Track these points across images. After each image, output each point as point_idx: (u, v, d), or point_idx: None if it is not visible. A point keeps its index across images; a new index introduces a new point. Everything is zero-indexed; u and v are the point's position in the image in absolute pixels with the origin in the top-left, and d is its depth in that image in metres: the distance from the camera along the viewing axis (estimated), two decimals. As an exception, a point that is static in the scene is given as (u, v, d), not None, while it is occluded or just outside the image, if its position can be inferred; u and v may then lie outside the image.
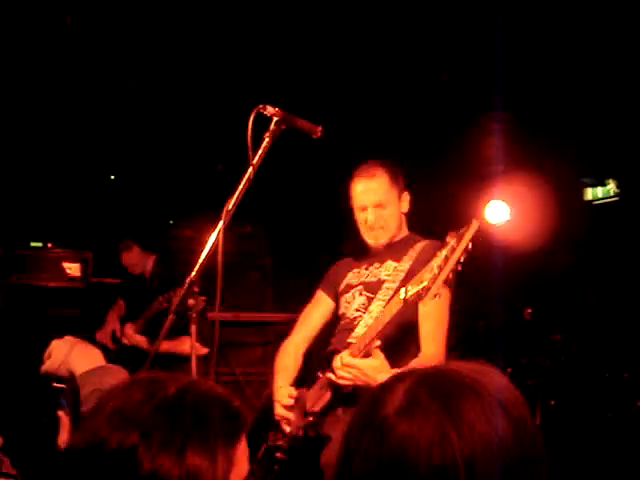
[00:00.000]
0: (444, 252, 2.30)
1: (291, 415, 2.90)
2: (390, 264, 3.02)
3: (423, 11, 4.75)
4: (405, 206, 3.11)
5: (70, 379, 1.84)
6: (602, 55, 5.09)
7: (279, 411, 2.95)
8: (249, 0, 4.65)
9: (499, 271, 6.69)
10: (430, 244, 2.95)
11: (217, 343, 2.65)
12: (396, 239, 3.11)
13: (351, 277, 3.16)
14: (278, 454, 2.85)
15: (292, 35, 4.96)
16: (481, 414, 1.01)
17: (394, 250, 3.07)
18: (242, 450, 1.11)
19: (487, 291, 6.68)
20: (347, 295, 3.12)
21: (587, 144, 6.14)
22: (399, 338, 2.79)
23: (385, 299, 2.85)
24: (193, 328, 2.76)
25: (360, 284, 3.07)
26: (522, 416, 1.05)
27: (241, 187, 2.55)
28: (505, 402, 1.04)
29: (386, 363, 2.60)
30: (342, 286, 3.17)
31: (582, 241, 6.34)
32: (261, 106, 2.57)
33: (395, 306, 2.54)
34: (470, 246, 2.27)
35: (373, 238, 3.08)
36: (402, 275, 2.88)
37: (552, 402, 5.71)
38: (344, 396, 2.71)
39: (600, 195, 6.53)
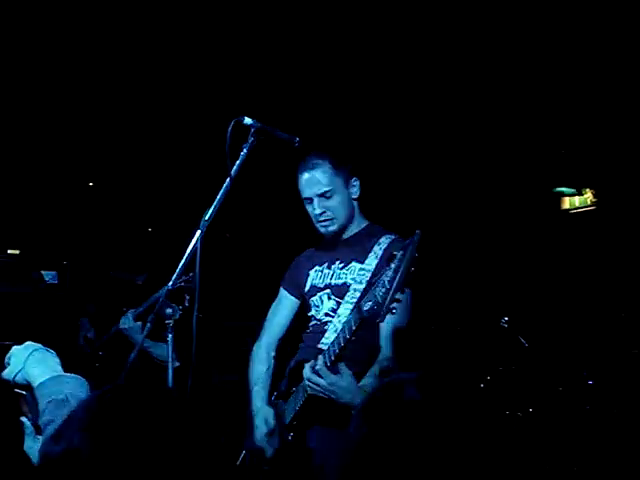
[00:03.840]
0: (393, 265, 2.30)
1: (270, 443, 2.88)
2: (355, 266, 2.94)
3: (403, 26, 4.80)
4: (356, 192, 3.00)
5: (29, 387, 1.85)
6: (579, 67, 5.16)
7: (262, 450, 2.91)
8: (228, 15, 4.68)
9: (477, 278, 6.75)
10: (395, 241, 2.87)
11: (195, 352, 2.63)
12: (354, 230, 3.03)
13: (314, 277, 3.07)
14: (265, 468, 2.83)
15: (270, 46, 4.98)
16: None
17: (356, 245, 2.99)
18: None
19: (464, 299, 6.73)
20: (314, 298, 3.04)
21: (564, 153, 6.21)
22: (366, 337, 2.74)
23: (353, 302, 2.82)
24: (170, 337, 2.77)
25: (326, 287, 3.00)
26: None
27: (219, 197, 2.56)
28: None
29: (353, 381, 2.58)
30: (307, 287, 3.09)
31: (559, 249, 6.40)
32: (239, 117, 2.58)
33: (352, 323, 2.51)
34: (416, 254, 2.27)
35: (323, 228, 2.98)
36: (368, 275, 2.83)
37: (530, 409, 5.75)
38: (320, 408, 2.69)
39: (577, 204, 6.59)
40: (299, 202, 3.02)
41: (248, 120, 2.61)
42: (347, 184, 2.98)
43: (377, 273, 2.65)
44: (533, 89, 5.49)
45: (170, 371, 2.75)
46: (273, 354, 3.19)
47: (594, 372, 5.72)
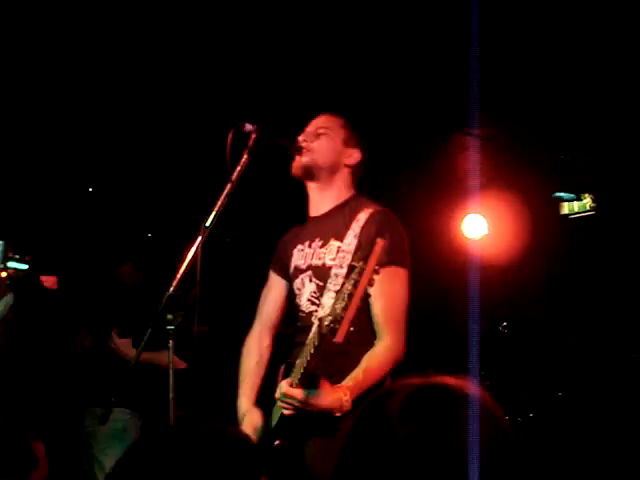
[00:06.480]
0: (352, 277, 2.22)
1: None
2: (333, 245, 2.80)
3: (399, 29, 4.80)
4: (350, 160, 2.90)
5: None
6: (577, 71, 5.17)
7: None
8: (228, 21, 4.69)
9: (475, 284, 6.75)
10: (373, 216, 2.76)
11: (197, 356, 2.64)
12: (337, 201, 2.90)
13: (297, 257, 2.93)
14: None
15: (269, 52, 4.99)
16: (472, 419, 1.10)
17: (336, 220, 2.86)
18: None
19: (463, 304, 6.72)
20: (297, 281, 2.90)
21: (563, 158, 6.21)
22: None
23: (335, 289, 2.61)
24: (171, 342, 2.78)
25: (308, 268, 2.86)
26: (502, 422, 1.15)
27: (220, 203, 2.57)
28: (490, 409, 1.14)
29: (329, 389, 2.50)
30: (291, 268, 2.95)
31: (558, 255, 6.40)
32: (240, 123, 2.60)
33: (315, 339, 2.41)
34: (377, 268, 2.21)
35: (296, 159, 2.86)
36: (348, 258, 2.65)
37: (530, 414, 5.75)
38: (306, 417, 2.58)
39: (576, 209, 6.59)
40: (301, 206, 3.02)
41: (249, 126, 2.63)
42: (347, 144, 2.92)
43: (357, 253, 2.52)
44: (531, 92, 5.50)
45: (171, 377, 2.76)
46: (267, 343, 3.06)
47: (593, 376, 5.73)
